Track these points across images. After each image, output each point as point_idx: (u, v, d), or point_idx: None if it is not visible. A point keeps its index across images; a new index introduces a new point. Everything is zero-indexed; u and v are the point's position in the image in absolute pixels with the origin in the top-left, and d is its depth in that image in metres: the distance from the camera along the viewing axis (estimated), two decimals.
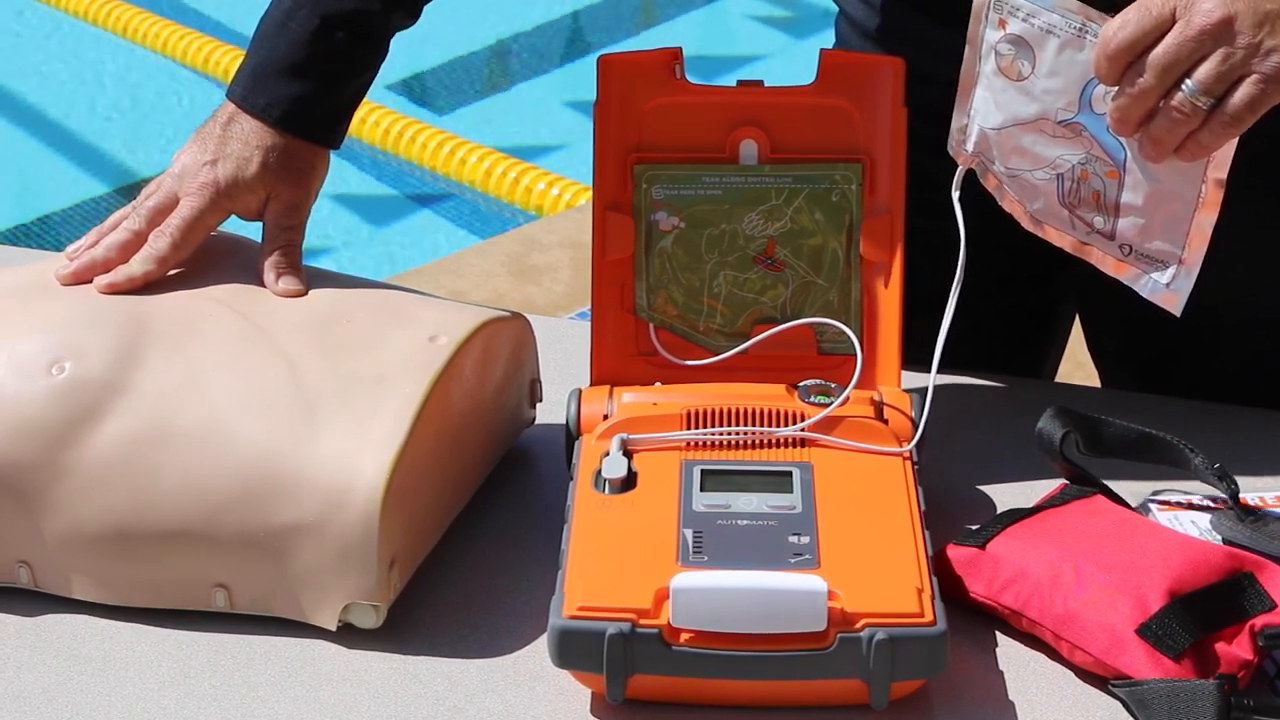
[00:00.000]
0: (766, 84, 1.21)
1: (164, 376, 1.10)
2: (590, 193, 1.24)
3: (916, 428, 1.16)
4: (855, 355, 1.18)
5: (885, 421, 1.15)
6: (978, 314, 1.25)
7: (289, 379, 1.10)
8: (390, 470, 1.05)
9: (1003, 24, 1.13)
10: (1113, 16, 1.08)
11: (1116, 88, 1.08)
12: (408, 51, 4.76)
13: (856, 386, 1.16)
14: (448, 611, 1.10)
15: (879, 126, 1.20)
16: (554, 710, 1.02)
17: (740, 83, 1.22)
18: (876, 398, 1.17)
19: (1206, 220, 1.11)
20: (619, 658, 0.98)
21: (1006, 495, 1.21)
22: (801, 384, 1.17)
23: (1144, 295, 1.15)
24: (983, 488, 1.22)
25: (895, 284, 1.20)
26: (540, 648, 1.04)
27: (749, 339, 1.21)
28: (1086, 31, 1.10)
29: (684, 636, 0.98)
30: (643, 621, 0.98)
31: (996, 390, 1.28)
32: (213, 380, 1.10)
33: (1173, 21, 1.05)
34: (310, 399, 1.09)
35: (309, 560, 1.06)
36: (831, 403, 1.14)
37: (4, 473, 1.08)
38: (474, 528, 1.18)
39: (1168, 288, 1.14)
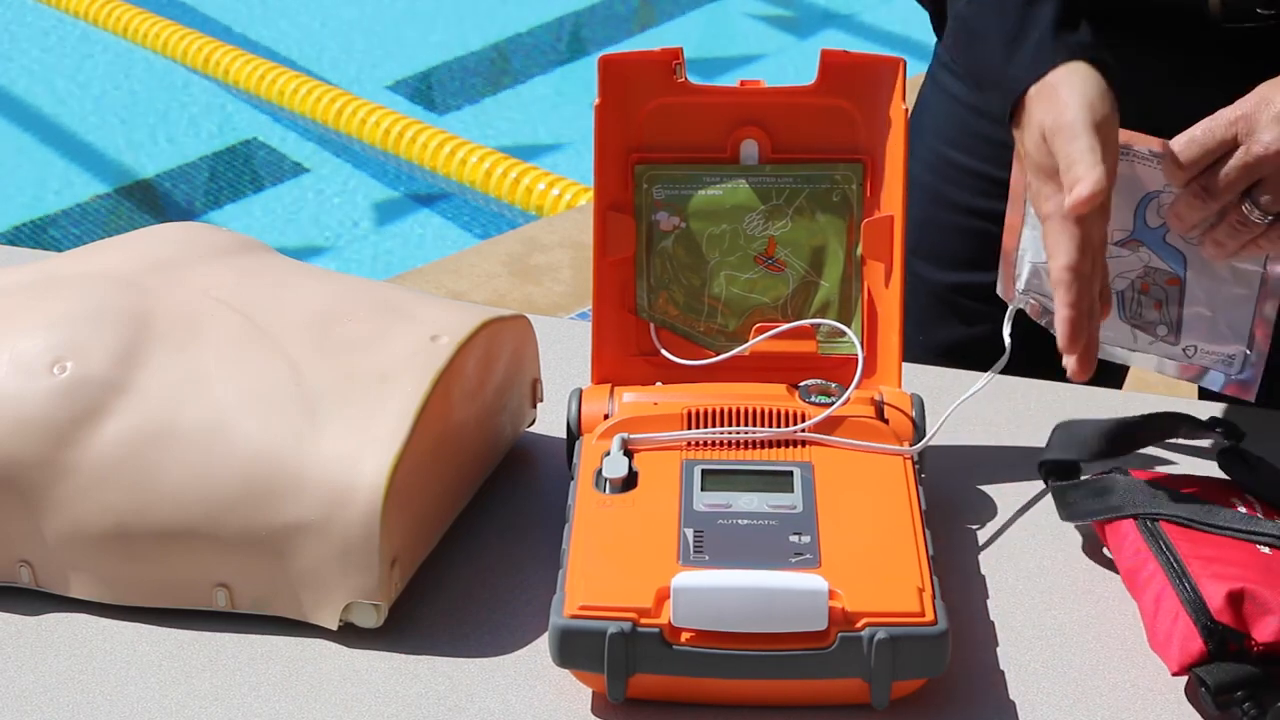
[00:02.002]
0: (767, 84, 1.21)
1: (166, 376, 1.10)
2: (591, 193, 1.24)
3: (919, 430, 1.16)
4: (856, 355, 1.19)
5: (886, 421, 1.15)
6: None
7: (290, 378, 1.10)
8: (392, 469, 1.05)
9: None
10: (1152, 137, 1.15)
11: (1171, 197, 1.15)
12: (408, 51, 4.77)
13: (857, 386, 1.16)
14: (448, 611, 1.10)
15: (880, 126, 1.20)
16: (554, 710, 1.02)
17: (741, 82, 1.22)
18: (877, 398, 1.17)
19: (1270, 309, 1.16)
20: (620, 657, 0.98)
21: (1007, 495, 1.21)
22: (802, 384, 1.17)
23: (1215, 390, 1.18)
24: (983, 488, 1.22)
25: (896, 284, 1.20)
26: (541, 647, 1.04)
27: (750, 339, 1.21)
28: (1132, 153, 1.14)
29: (685, 636, 0.98)
30: (644, 621, 0.98)
31: (997, 390, 1.28)
32: (214, 379, 1.10)
33: (1235, 144, 1.12)
34: (312, 398, 1.09)
35: (310, 559, 1.06)
36: (833, 403, 1.15)
37: (5, 471, 1.08)
38: (475, 527, 1.18)
39: (1238, 378, 1.17)
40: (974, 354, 1.31)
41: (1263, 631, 1.00)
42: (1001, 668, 1.05)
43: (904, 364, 1.21)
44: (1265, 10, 1.25)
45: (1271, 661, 1.00)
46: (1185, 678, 1.02)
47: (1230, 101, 1.14)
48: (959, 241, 1.47)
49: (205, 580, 1.08)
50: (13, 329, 1.13)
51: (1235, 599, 1.01)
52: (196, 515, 1.07)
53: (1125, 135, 1.15)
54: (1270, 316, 1.17)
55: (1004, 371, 1.26)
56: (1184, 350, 1.19)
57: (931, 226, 1.47)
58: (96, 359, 1.10)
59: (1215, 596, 1.01)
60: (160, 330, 1.13)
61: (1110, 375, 1.47)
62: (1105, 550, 1.15)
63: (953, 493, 1.21)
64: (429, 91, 4.71)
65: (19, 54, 4.96)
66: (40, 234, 4.03)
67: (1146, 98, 1.19)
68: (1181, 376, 1.20)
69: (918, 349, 1.40)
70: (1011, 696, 1.03)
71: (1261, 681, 0.99)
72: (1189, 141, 1.14)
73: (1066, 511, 1.14)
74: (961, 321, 1.47)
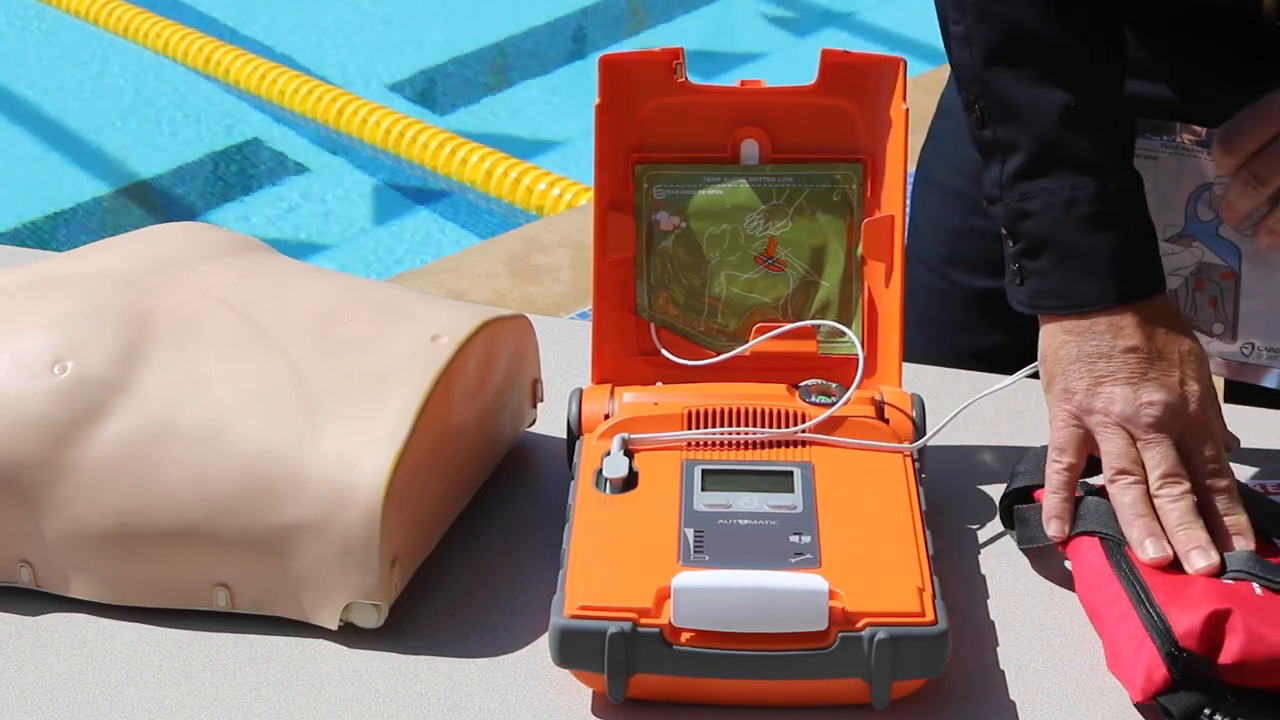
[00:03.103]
0: (767, 83, 1.21)
1: (166, 375, 1.10)
2: (591, 192, 1.24)
3: (919, 430, 1.16)
4: (856, 355, 1.19)
5: (886, 421, 1.15)
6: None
7: (291, 378, 1.10)
8: (392, 469, 1.05)
9: None
10: (1200, 127, 1.14)
11: (1223, 187, 1.14)
12: (408, 51, 4.77)
13: (857, 387, 1.16)
14: (448, 611, 1.10)
15: (880, 126, 1.20)
16: (554, 710, 1.02)
17: (741, 82, 1.22)
18: (878, 398, 1.17)
19: None
20: (620, 657, 0.98)
21: None
22: (802, 384, 1.17)
23: (1272, 387, 1.17)
24: (983, 488, 1.22)
25: (896, 284, 1.20)
26: (541, 647, 1.04)
27: (750, 339, 1.21)
28: (1179, 145, 1.14)
29: (685, 636, 0.98)
30: (644, 621, 0.98)
31: (997, 389, 1.28)
32: (215, 379, 1.10)
33: None
34: (312, 398, 1.09)
35: (310, 559, 1.06)
36: (833, 403, 1.15)
37: (6, 471, 1.08)
38: (475, 527, 1.18)
39: None
40: (1008, 358, 1.30)
41: (1225, 653, 0.98)
42: (1001, 668, 1.05)
43: (906, 364, 1.21)
44: None
45: (1235, 682, 0.99)
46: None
47: None
48: (996, 246, 1.45)
49: (205, 580, 1.08)
50: (13, 329, 1.13)
51: (1200, 623, 0.99)
52: (196, 515, 1.07)
53: (1165, 126, 1.15)
54: None
55: (1004, 371, 1.27)
56: (1241, 349, 1.18)
57: (971, 234, 1.44)
58: (97, 359, 1.10)
59: (1180, 622, 0.99)
60: (160, 330, 1.13)
61: None
62: None
63: (953, 493, 1.21)
64: (429, 91, 4.71)
65: (19, 54, 4.96)
66: (41, 234, 4.03)
67: (1187, 103, 1.19)
68: (1240, 377, 1.19)
69: (950, 354, 1.39)
70: (1011, 696, 1.03)
71: (1225, 700, 0.98)
72: (1235, 127, 1.13)
73: (1025, 534, 1.12)
74: (995, 327, 1.45)
